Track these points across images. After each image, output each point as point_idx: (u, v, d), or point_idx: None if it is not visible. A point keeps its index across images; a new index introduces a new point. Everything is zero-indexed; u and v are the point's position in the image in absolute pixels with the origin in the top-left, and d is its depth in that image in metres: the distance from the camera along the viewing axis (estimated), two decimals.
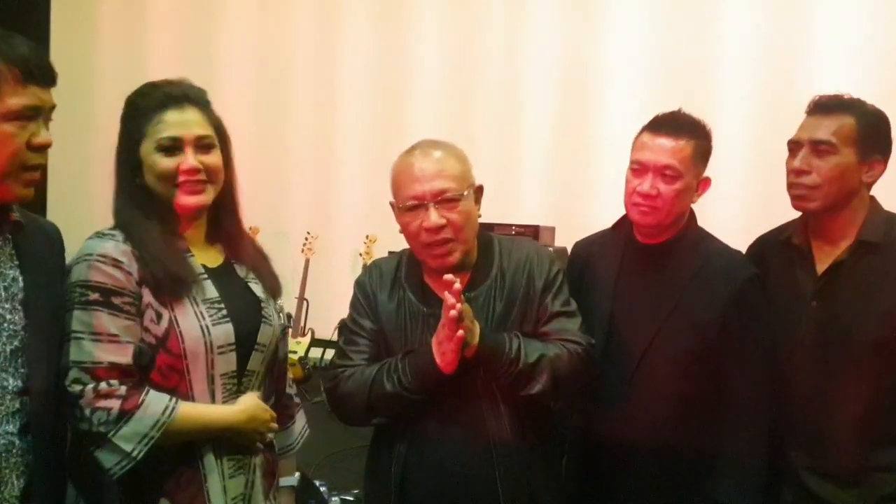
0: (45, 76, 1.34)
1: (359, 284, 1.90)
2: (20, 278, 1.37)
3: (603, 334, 1.88)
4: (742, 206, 3.82)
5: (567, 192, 4.56)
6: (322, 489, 3.28)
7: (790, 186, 1.83)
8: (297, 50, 5.33)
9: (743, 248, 2.04)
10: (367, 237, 4.94)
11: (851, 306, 1.76)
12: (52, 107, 1.36)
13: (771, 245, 1.95)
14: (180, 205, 1.56)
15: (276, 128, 5.31)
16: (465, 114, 4.91)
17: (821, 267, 1.82)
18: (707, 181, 1.90)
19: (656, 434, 1.82)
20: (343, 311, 5.49)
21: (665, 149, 1.82)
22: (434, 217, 1.70)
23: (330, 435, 3.32)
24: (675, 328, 1.83)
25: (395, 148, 5.91)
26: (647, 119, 4.58)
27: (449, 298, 1.60)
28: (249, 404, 1.57)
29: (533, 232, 4.27)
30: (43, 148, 1.34)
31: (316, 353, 4.93)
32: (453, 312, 1.59)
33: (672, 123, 1.87)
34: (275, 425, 1.64)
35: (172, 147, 1.53)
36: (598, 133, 4.60)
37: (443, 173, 1.73)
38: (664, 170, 1.81)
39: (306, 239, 5.04)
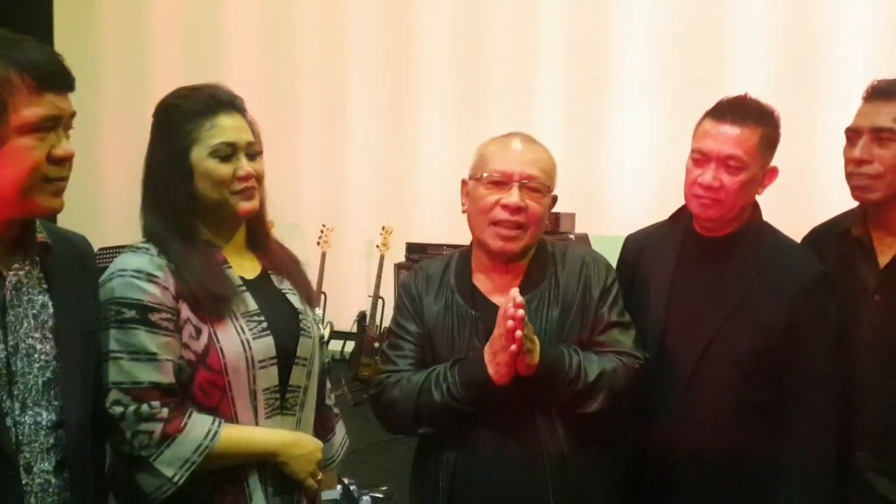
0: (61, 82, 1.23)
1: (404, 287, 1.83)
2: (49, 304, 1.30)
3: (658, 333, 1.79)
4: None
5: (586, 177, 4.52)
6: (352, 488, 3.22)
7: (850, 176, 1.75)
8: (306, 41, 5.29)
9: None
10: (383, 228, 4.91)
11: None
12: (72, 114, 1.26)
13: (827, 237, 1.87)
14: (237, 210, 1.51)
15: (286, 120, 5.25)
16: (477, 99, 4.86)
17: (883, 259, 1.75)
18: (774, 171, 1.79)
19: (715, 441, 1.74)
20: (361, 303, 5.47)
21: (729, 138, 1.70)
22: (515, 195, 1.66)
23: (354, 430, 3.29)
24: (737, 328, 1.73)
25: (406, 138, 5.94)
26: (663, 103, 4.59)
27: (510, 309, 1.53)
28: (297, 433, 1.55)
29: (553, 219, 4.21)
30: (64, 160, 1.24)
31: (335, 345, 4.92)
32: (511, 323, 1.52)
33: (737, 110, 1.73)
34: (317, 456, 1.58)
35: (228, 154, 1.48)
36: (615, 117, 4.56)
37: (537, 162, 1.71)
38: (728, 160, 1.70)
39: (322, 232, 4.99)
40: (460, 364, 1.67)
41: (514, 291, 1.56)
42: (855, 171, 1.73)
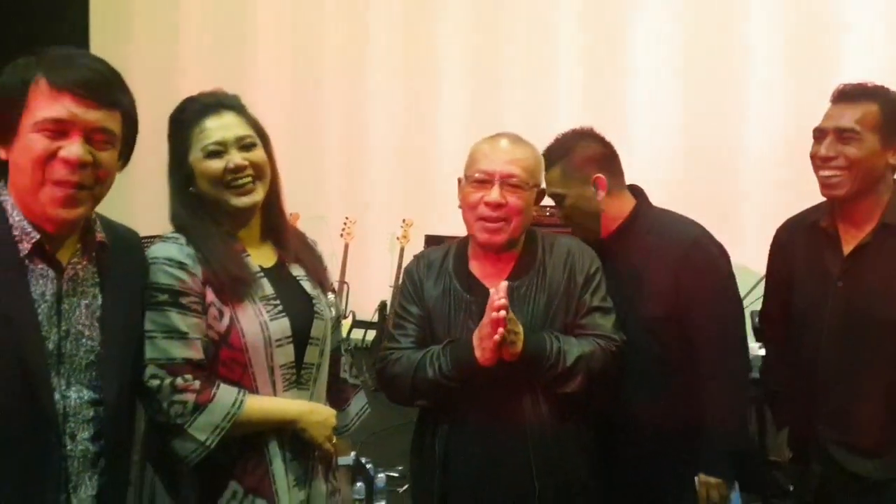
0: (85, 92, 1.32)
1: (407, 273, 2.02)
2: (99, 296, 1.44)
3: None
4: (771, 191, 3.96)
5: None
6: (368, 466, 3.40)
7: (817, 173, 1.89)
8: (330, 38, 5.43)
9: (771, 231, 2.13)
10: (403, 221, 5.06)
11: (876, 287, 1.82)
12: (97, 127, 1.34)
13: (798, 228, 2.02)
14: (234, 206, 1.65)
15: (311, 115, 5.42)
16: (493, 98, 4.99)
17: (847, 249, 1.88)
18: (599, 179, 2.06)
19: (646, 400, 1.93)
20: (382, 293, 5.62)
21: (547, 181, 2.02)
22: (495, 194, 1.83)
23: (373, 414, 3.46)
24: (640, 299, 1.96)
25: (427, 133, 6.05)
26: (675, 95, 4.65)
27: (497, 294, 1.71)
28: (313, 403, 1.71)
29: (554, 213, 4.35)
30: (69, 164, 1.31)
31: (357, 334, 5.10)
32: (495, 314, 1.70)
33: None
34: (332, 422, 1.74)
35: (218, 151, 1.64)
36: (627, 114, 4.64)
37: (517, 162, 1.86)
38: (553, 198, 2.07)
39: (345, 224, 5.16)
40: (452, 346, 1.85)
41: (503, 286, 1.73)
42: (821, 167, 1.86)
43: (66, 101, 1.32)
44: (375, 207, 5.33)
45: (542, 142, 4.99)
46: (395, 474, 3.64)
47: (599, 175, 2.06)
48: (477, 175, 1.86)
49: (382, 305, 5.02)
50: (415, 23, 5.17)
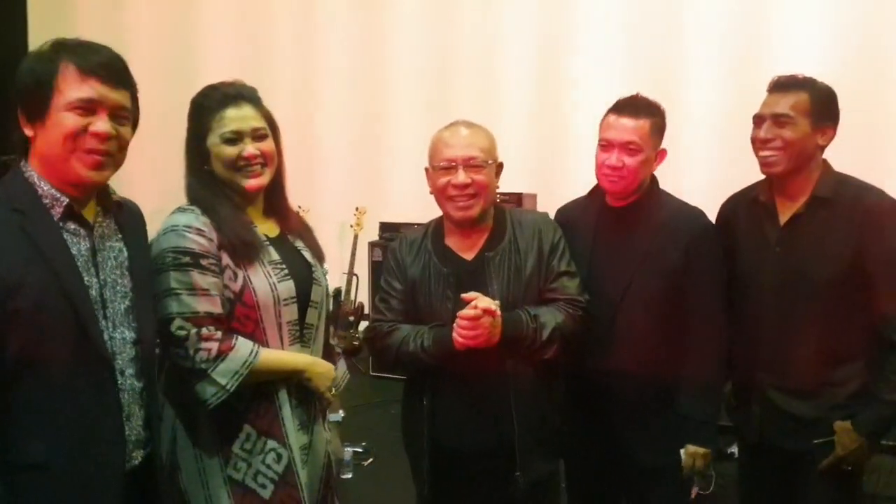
0: (107, 75, 1.52)
1: (391, 252, 2.23)
2: (124, 249, 1.64)
3: (584, 283, 2.18)
4: (710, 170, 4.24)
5: (546, 160, 4.87)
6: None
7: (757, 154, 2.15)
8: (280, 26, 5.50)
9: (712, 206, 2.38)
10: (356, 209, 5.19)
11: (808, 251, 2.09)
12: (119, 105, 1.54)
13: (741, 202, 2.29)
14: (245, 187, 1.84)
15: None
16: (444, 85, 5.16)
17: (783, 219, 2.15)
18: (663, 152, 2.25)
19: (636, 364, 2.15)
20: (335, 280, 5.70)
21: (627, 128, 2.15)
22: (462, 176, 2.04)
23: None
24: (646, 274, 2.16)
25: (378, 120, 6.19)
26: (621, 88, 4.96)
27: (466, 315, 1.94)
28: (315, 357, 1.91)
29: (517, 199, 4.59)
30: (98, 136, 1.51)
31: None
32: (465, 322, 1.94)
33: (632, 106, 2.19)
34: (332, 374, 1.93)
35: (234, 139, 1.81)
36: (574, 103, 4.87)
37: (473, 144, 2.08)
38: (628, 145, 2.15)
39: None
40: (437, 328, 2.05)
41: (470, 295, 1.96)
42: (761, 149, 2.13)
43: (93, 83, 1.51)
44: (327, 196, 5.43)
45: (495, 127, 5.18)
46: (360, 449, 3.81)
47: (664, 149, 2.25)
48: (442, 163, 2.06)
49: (336, 292, 5.13)
50: (367, 13, 5.30)
